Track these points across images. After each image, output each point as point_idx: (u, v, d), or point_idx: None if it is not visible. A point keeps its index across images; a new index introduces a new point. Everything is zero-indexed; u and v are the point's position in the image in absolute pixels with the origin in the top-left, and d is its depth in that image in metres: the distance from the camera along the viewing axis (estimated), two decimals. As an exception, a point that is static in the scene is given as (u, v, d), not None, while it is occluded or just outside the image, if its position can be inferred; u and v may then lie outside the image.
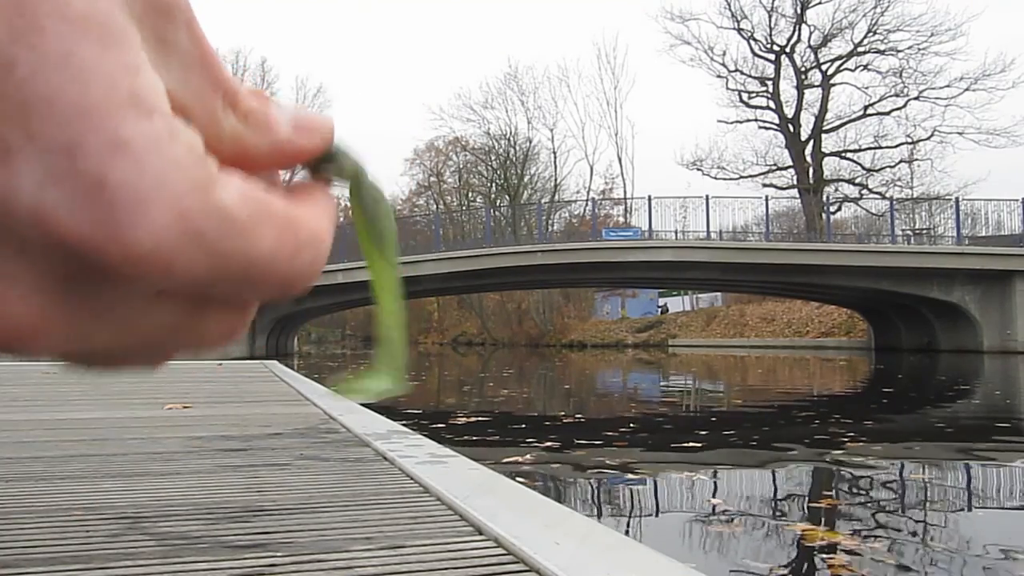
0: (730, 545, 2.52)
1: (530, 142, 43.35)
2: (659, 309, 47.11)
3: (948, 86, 31.98)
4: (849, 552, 2.32)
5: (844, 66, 34.14)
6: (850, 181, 34.26)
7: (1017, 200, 22.27)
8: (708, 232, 23.03)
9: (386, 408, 6.34)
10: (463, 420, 5.93)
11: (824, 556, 2.34)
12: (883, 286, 22.48)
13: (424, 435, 2.27)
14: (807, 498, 3.36)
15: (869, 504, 3.19)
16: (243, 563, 1.04)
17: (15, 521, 1.29)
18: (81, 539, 1.17)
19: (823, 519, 2.83)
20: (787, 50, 34.31)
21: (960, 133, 32.08)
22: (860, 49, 33.37)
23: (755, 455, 4.44)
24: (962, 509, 3.15)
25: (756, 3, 35.50)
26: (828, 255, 22.11)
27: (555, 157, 43.24)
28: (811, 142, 34.40)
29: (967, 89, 31.48)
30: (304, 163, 0.28)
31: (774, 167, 35.39)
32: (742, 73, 35.34)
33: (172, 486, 1.58)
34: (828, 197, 30.92)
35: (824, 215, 26.58)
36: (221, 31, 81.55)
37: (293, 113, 0.25)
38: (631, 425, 5.96)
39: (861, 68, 34.04)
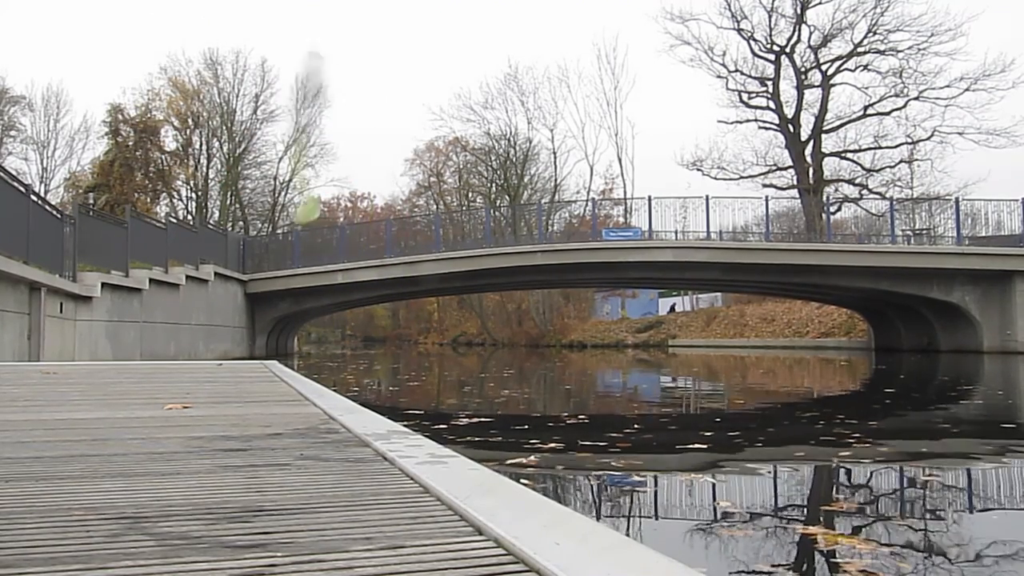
0: (735, 547, 2.51)
1: (530, 142, 43.28)
2: (669, 308, 47.02)
3: (948, 86, 31.95)
4: (855, 554, 2.31)
5: (844, 66, 34.10)
6: (850, 181, 34.23)
7: (1017, 200, 22.27)
8: (708, 232, 23.02)
9: (386, 408, 6.34)
10: (464, 421, 5.93)
11: (830, 559, 2.33)
12: (883, 286, 22.48)
13: (425, 436, 2.27)
14: (813, 500, 3.35)
15: (876, 505, 3.19)
16: (243, 563, 1.04)
17: (15, 521, 1.28)
18: (81, 539, 1.17)
19: (830, 521, 2.83)
20: (787, 50, 34.28)
21: (960, 133, 32.05)
22: (860, 49, 33.34)
23: (760, 456, 4.44)
24: (969, 510, 3.15)
25: (756, 3, 35.42)
26: (828, 255, 22.10)
27: (555, 157, 43.19)
28: (811, 142, 34.37)
29: (967, 89, 31.45)
30: None
31: (774, 167, 35.37)
32: (742, 73, 35.33)
33: (172, 486, 1.58)
34: (828, 197, 30.89)
35: (824, 215, 26.56)
36: (221, 31, 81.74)
37: None
38: (635, 426, 5.96)
39: (861, 68, 34.01)
